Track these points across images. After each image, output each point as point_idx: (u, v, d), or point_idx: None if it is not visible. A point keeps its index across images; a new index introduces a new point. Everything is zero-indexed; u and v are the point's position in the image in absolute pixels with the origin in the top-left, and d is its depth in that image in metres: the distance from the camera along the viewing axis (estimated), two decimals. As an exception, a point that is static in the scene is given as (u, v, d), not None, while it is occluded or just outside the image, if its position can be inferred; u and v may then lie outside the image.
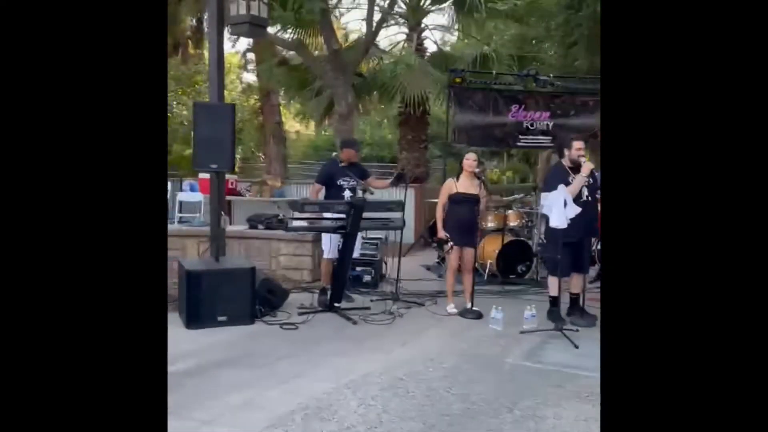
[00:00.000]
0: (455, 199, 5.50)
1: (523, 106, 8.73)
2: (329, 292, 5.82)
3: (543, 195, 4.98)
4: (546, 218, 5.37)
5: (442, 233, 5.47)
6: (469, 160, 5.54)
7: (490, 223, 7.33)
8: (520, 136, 8.82)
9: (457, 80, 8.34)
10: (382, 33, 11.56)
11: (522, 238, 7.27)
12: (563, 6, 12.58)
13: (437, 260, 7.76)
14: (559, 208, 4.80)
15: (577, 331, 4.92)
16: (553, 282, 5.41)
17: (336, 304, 5.38)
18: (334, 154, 5.88)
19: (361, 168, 5.86)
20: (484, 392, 3.61)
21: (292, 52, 10.21)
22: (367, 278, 6.45)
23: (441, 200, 5.55)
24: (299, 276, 6.55)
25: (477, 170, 5.53)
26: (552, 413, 3.32)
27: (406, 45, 10.78)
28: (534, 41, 12.64)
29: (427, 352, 4.40)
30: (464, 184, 5.53)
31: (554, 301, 5.42)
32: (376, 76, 9.86)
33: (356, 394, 3.53)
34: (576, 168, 5.27)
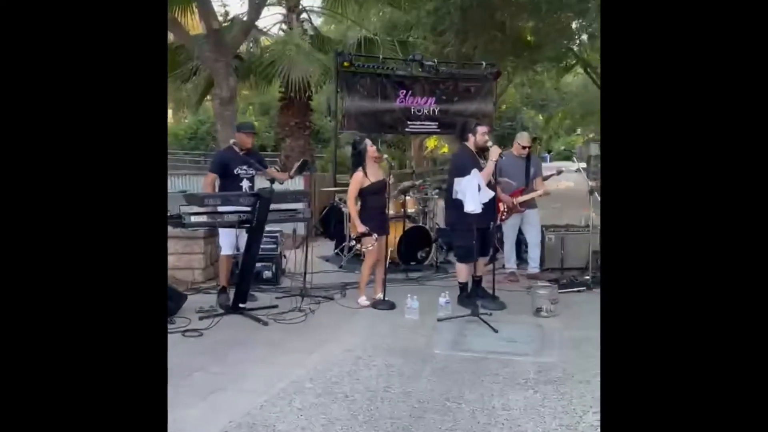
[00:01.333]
0: (369, 190, 5.28)
1: (410, 92, 8.69)
2: (231, 292, 5.40)
3: (456, 180, 4.91)
4: (454, 203, 5.33)
5: (361, 227, 5.23)
6: (372, 147, 5.35)
7: (390, 211, 7.20)
8: (408, 122, 8.79)
9: (346, 64, 8.10)
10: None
11: (421, 225, 7.23)
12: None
13: (336, 251, 7.51)
14: (473, 192, 4.76)
15: (491, 314, 4.93)
16: (462, 268, 5.40)
17: (241, 305, 4.97)
18: (232, 141, 5.37)
19: (258, 156, 5.45)
20: (424, 389, 3.45)
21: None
22: (267, 274, 6.06)
23: (352, 194, 5.30)
24: (190, 276, 6.01)
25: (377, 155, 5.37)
26: (500, 404, 3.23)
27: (284, 27, 10.32)
28: (403, 27, 12.72)
29: (351, 350, 4.17)
30: (372, 173, 5.34)
31: (464, 287, 5.41)
32: (255, 58, 9.34)
33: (292, 404, 3.22)
34: (482, 152, 5.28)
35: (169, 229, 6.08)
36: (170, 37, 9.11)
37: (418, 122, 8.83)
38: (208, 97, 9.96)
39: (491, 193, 4.83)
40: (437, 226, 7.41)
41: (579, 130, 40.56)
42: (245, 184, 5.34)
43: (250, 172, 5.37)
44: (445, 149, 25.76)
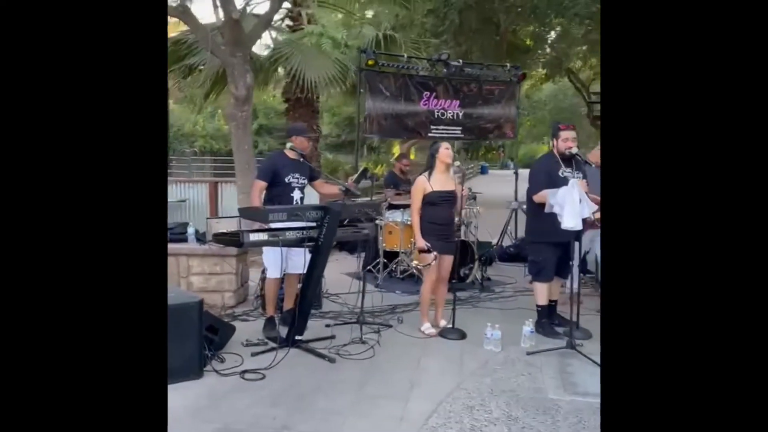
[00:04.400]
0: (431, 200, 4.60)
1: (434, 94, 8.08)
2: (279, 322, 4.64)
3: (550, 192, 4.30)
4: (534, 213, 4.72)
5: (422, 242, 4.55)
6: (448, 150, 4.68)
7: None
8: (432, 126, 8.17)
9: (370, 62, 7.42)
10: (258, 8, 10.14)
11: (463, 238, 6.59)
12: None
13: (369, 268, 6.78)
14: (573, 206, 4.13)
15: (581, 345, 4.32)
16: (540, 289, 4.77)
17: (298, 337, 4.21)
18: (289, 146, 4.60)
19: (308, 164, 4.71)
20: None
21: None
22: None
23: (416, 203, 4.61)
24: (219, 300, 5.20)
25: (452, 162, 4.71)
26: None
27: (289, 22, 9.55)
28: (411, 27, 12.14)
29: (454, 396, 3.49)
30: (439, 181, 4.66)
31: (544, 312, 4.79)
32: (264, 55, 8.54)
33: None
34: (567, 159, 4.67)
35: (196, 246, 5.32)
36: (172, 25, 8.27)
37: (442, 126, 8.22)
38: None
39: (594, 207, 4.21)
40: (478, 240, 6.77)
41: (545, 139, 40.65)
42: (296, 194, 4.60)
43: (303, 181, 4.63)
44: (413, 156, 25.03)
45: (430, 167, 4.69)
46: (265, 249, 4.59)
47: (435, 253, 4.54)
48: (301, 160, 4.54)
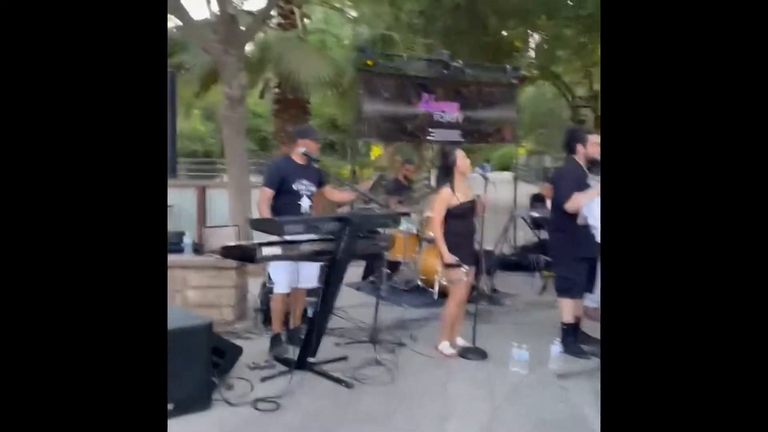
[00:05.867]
0: (457, 212, 4.28)
1: (433, 96, 7.78)
2: (286, 341, 4.27)
3: (586, 201, 4.02)
4: (559, 227, 4.44)
5: (449, 257, 4.21)
6: (466, 159, 4.36)
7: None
8: (431, 130, 7.87)
9: (369, 63, 7.09)
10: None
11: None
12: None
13: (371, 279, 6.44)
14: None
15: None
16: (567, 305, 4.48)
17: (310, 359, 3.85)
18: (302, 150, 4.23)
19: (317, 169, 4.35)
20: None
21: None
22: (311, 311, 4.92)
23: (438, 216, 4.25)
24: (218, 315, 4.77)
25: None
26: None
27: (280, 20, 9.15)
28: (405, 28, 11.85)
29: (490, 428, 3.17)
30: (461, 191, 4.34)
31: (570, 330, 4.50)
32: (254, 53, 8.14)
33: None
34: (589, 166, 4.41)
35: (191, 258, 4.93)
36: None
37: (441, 129, 7.92)
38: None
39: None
40: (484, 250, 6.45)
41: (525, 143, 40.75)
42: (305, 203, 4.23)
43: (311, 188, 4.27)
44: (378, 153, 24.46)
45: (447, 177, 4.35)
46: (270, 264, 4.22)
47: (465, 267, 4.22)
48: (315, 165, 4.16)
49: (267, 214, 4.03)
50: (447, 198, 4.27)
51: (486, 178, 4.30)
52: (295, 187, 4.17)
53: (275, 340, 4.24)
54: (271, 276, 4.34)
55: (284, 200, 4.15)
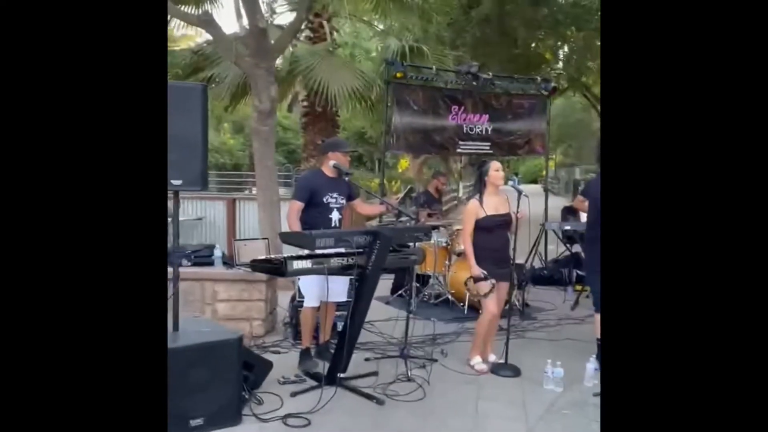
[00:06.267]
0: (484, 225, 4.21)
1: (462, 108, 7.73)
2: (315, 355, 4.24)
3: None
4: (593, 240, 4.34)
5: (477, 270, 4.15)
6: (499, 171, 4.30)
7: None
8: (460, 142, 7.82)
9: (399, 75, 7.08)
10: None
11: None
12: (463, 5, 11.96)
13: (401, 292, 6.38)
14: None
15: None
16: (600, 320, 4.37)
17: (340, 374, 3.80)
18: (332, 163, 4.21)
19: (347, 182, 4.32)
20: None
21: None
22: (340, 325, 4.88)
23: (467, 229, 4.20)
24: (247, 328, 4.77)
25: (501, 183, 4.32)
26: None
27: (309, 33, 9.21)
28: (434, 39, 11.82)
29: (527, 449, 3.09)
30: (492, 203, 4.27)
31: (605, 346, 4.37)
32: (283, 67, 8.19)
33: None
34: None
35: (222, 271, 4.93)
36: (190, 36, 7.97)
37: (471, 142, 7.86)
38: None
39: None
40: (515, 263, 6.35)
41: (555, 155, 40.37)
42: (335, 215, 4.21)
43: (341, 201, 4.25)
44: (406, 164, 24.22)
45: (479, 190, 4.30)
46: (300, 278, 4.20)
47: (492, 280, 4.15)
48: (346, 178, 4.14)
49: (296, 227, 4.02)
50: (474, 211, 4.21)
51: (520, 191, 4.22)
52: (325, 200, 4.16)
53: (304, 355, 4.21)
54: (301, 290, 4.32)
55: (314, 213, 4.13)
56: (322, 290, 4.11)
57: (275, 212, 6.58)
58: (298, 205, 4.11)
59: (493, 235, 4.26)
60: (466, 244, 4.24)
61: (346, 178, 4.15)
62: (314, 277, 4.01)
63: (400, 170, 25.02)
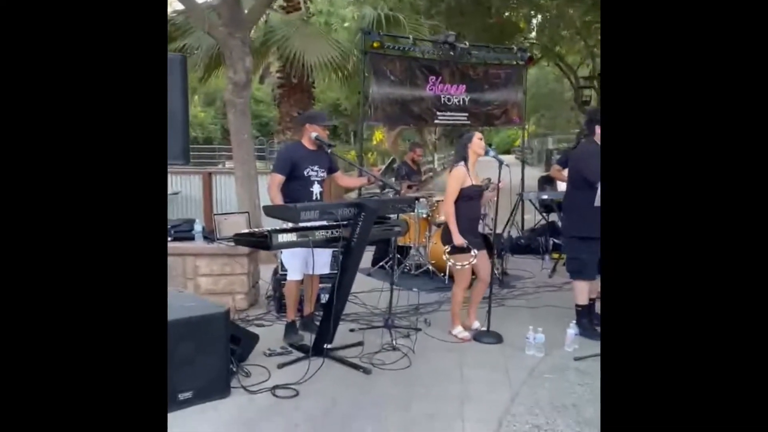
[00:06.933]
0: (469, 194, 4.25)
1: (440, 78, 7.69)
2: (300, 327, 4.27)
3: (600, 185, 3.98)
4: (572, 207, 4.41)
5: (461, 240, 4.19)
6: (482, 140, 4.32)
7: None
8: (438, 113, 7.77)
9: (376, 44, 6.99)
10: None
11: (483, 232, 6.25)
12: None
13: (382, 264, 6.42)
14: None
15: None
16: (581, 287, 4.46)
17: (327, 345, 3.84)
18: (314, 135, 4.17)
19: (327, 154, 4.31)
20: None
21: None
22: (325, 297, 4.91)
23: (452, 195, 4.24)
24: (230, 302, 4.77)
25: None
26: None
27: (282, 2, 9.04)
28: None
29: (510, 412, 3.17)
30: (473, 173, 4.32)
31: (584, 312, 4.49)
32: (258, 37, 8.04)
33: None
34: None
35: (203, 245, 4.90)
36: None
37: (448, 113, 7.82)
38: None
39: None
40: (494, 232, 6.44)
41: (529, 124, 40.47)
42: (316, 188, 4.20)
43: (322, 173, 4.23)
44: (380, 137, 23.96)
45: (463, 158, 4.32)
46: (283, 251, 4.19)
47: (475, 251, 4.20)
48: (328, 150, 4.11)
49: (279, 200, 4.00)
50: (462, 177, 4.22)
51: (501, 161, 4.25)
52: (305, 173, 4.13)
53: (290, 328, 4.24)
54: (284, 263, 4.32)
55: (295, 186, 4.11)
56: (305, 263, 4.12)
57: (253, 185, 6.54)
58: (279, 178, 4.08)
59: (473, 204, 4.30)
60: (448, 212, 4.24)
61: (328, 151, 4.13)
62: (297, 250, 4.01)
63: (374, 142, 24.90)
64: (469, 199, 4.25)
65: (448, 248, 4.26)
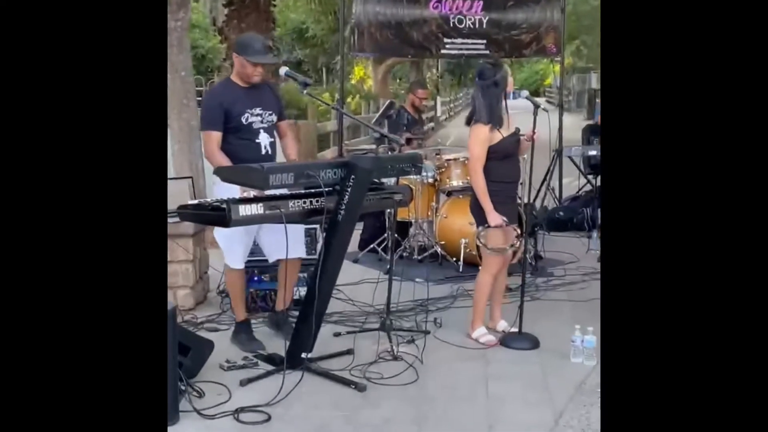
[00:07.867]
0: (501, 151, 4.28)
1: (448, -8, 7.74)
2: (270, 326, 4.38)
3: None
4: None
5: (497, 218, 4.21)
6: (511, 77, 4.37)
7: (455, 181, 6.23)
8: (446, 40, 7.87)
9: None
10: None
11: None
12: None
13: (374, 245, 6.50)
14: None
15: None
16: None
17: (304, 355, 3.92)
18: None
19: (271, 90, 4.38)
20: None
21: None
22: (301, 292, 4.96)
23: (479, 162, 4.22)
24: (171, 299, 4.83)
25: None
26: None
27: None
28: None
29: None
30: (504, 121, 4.33)
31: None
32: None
33: None
34: None
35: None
36: None
37: (460, 39, 7.92)
38: None
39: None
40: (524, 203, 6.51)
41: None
42: (264, 139, 4.19)
43: (269, 117, 4.23)
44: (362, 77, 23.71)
45: (490, 105, 4.29)
46: (220, 229, 4.14)
47: (516, 229, 4.28)
48: (304, 90, 4.03)
49: (224, 162, 3.98)
50: (484, 136, 4.21)
51: (537, 105, 4.31)
52: (244, 119, 4.11)
53: (240, 329, 4.35)
54: (220, 244, 4.33)
55: (233, 140, 4.11)
56: (246, 246, 4.18)
57: (195, 141, 6.54)
58: (216, 135, 4.07)
59: (507, 164, 4.34)
60: (478, 182, 4.27)
61: (304, 91, 4.05)
62: (235, 230, 3.91)
63: (354, 81, 24.71)
64: (503, 158, 4.29)
65: (481, 229, 4.32)
